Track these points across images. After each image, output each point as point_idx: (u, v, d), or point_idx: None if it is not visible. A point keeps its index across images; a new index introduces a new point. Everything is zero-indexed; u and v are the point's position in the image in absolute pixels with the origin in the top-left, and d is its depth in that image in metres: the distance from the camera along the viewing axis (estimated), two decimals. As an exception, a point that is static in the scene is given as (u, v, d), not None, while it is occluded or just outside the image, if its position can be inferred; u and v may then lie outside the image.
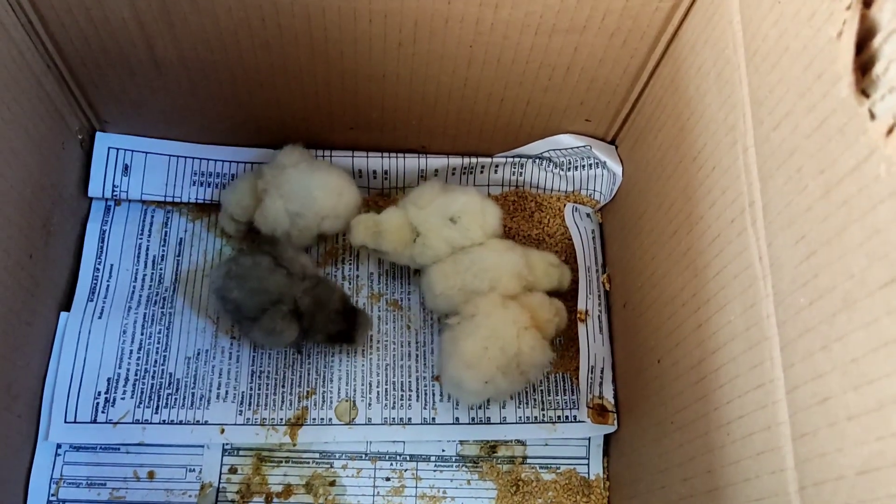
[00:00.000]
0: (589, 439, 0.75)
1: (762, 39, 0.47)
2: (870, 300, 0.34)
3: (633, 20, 0.62)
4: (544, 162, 0.81)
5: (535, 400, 0.75)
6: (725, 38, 0.52)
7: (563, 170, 0.81)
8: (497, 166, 0.82)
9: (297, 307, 0.70)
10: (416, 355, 0.77)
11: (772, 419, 0.43)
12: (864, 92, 0.36)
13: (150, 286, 0.77)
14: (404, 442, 0.74)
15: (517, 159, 0.82)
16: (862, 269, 0.35)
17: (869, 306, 0.34)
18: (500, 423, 0.75)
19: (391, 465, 0.74)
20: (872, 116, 0.35)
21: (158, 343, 0.75)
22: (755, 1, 0.48)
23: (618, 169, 0.77)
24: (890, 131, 0.33)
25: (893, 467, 0.32)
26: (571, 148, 0.78)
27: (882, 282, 0.33)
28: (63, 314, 0.74)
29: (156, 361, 0.74)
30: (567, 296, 0.78)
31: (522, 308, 0.71)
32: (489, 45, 0.65)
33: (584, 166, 0.81)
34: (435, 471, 0.74)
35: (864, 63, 0.36)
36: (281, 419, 0.73)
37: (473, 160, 0.81)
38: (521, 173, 0.83)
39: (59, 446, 0.71)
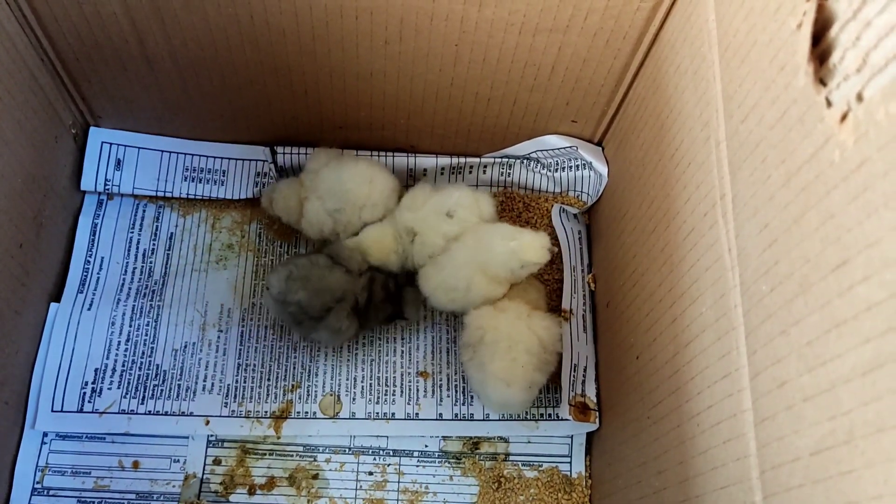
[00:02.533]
0: (571, 437, 0.76)
1: (734, 35, 0.48)
2: (823, 283, 0.35)
3: (616, 20, 0.63)
4: (532, 163, 0.82)
5: (518, 397, 0.76)
6: (702, 36, 0.53)
7: (550, 171, 0.82)
8: (485, 167, 0.83)
9: (357, 303, 0.71)
10: (402, 351, 0.78)
11: (737, 407, 0.44)
12: (822, 81, 0.36)
13: (140, 279, 0.78)
14: (388, 437, 0.75)
15: (505, 160, 0.82)
16: (817, 253, 0.35)
17: (823, 289, 0.35)
18: (483, 420, 0.75)
19: (374, 459, 0.74)
20: (829, 104, 0.35)
21: (146, 335, 0.76)
22: (728, -2, 0.49)
23: (603, 170, 0.78)
24: (844, 118, 0.34)
25: (844, 446, 0.32)
26: (558, 149, 0.79)
27: (834, 264, 0.34)
28: (53, 305, 0.75)
29: (143, 353, 0.75)
30: (552, 295, 0.79)
31: (513, 299, 0.72)
32: (474, 43, 0.66)
33: (571, 167, 0.81)
34: (418, 466, 0.74)
35: (822, 52, 0.37)
36: (266, 412, 0.74)
37: (462, 160, 0.82)
38: (509, 174, 0.84)
39: (45, 434, 0.72)
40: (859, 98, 0.33)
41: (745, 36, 0.46)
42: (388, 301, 0.73)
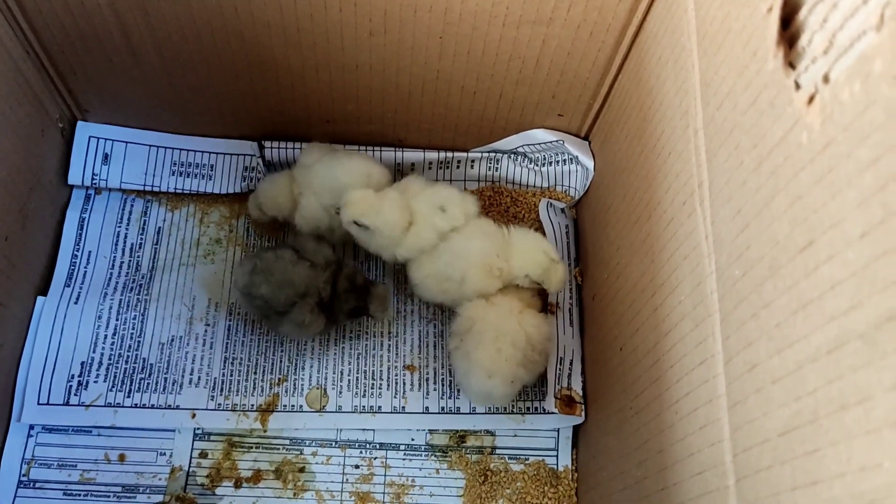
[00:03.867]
0: (558, 431, 0.76)
1: (710, 23, 0.48)
2: (791, 265, 0.35)
3: (598, 12, 0.63)
4: (519, 157, 0.82)
5: (504, 390, 0.76)
6: (682, 26, 0.53)
7: (537, 165, 0.82)
8: (473, 161, 0.83)
9: (321, 298, 0.71)
10: (389, 345, 0.78)
11: (712, 392, 0.44)
12: (791, 64, 0.37)
13: (127, 273, 0.78)
14: (374, 430, 0.75)
15: (493, 154, 0.83)
16: (785, 235, 0.35)
17: (790, 271, 0.35)
18: (470, 413, 0.75)
19: (361, 452, 0.74)
20: (798, 86, 0.36)
21: (133, 329, 0.76)
22: (706, -13, 0.49)
23: (590, 164, 0.78)
24: (811, 100, 0.34)
25: (809, 425, 0.32)
26: (545, 143, 0.79)
27: (801, 246, 0.34)
28: (39, 298, 0.75)
29: (130, 346, 0.75)
30: (540, 289, 0.79)
31: (506, 295, 0.72)
32: (459, 36, 0.66)
33: (558, 162, 0.82)
34: (404, 459, 0.74)
35: (791, 35, 0.37)
36: (252, 405, 0.74)
37: (450, 154, 0.82)
38: (496, 169, 0.84)
39: (31, 427, 0.72)
40: (826, 79, 0.33)
41: (721, 23, 0.46)
42: (352, 293, 0.72)
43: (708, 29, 0.48)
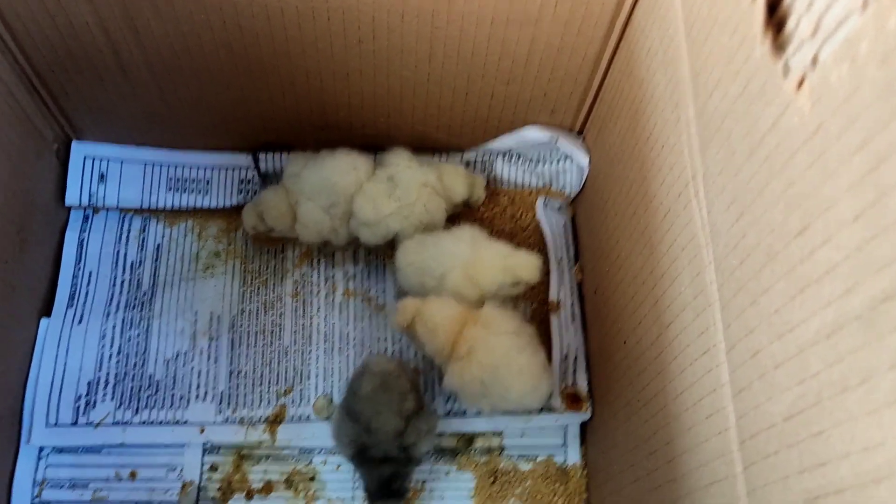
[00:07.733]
0: (565, 428, 0.76)
1: (697, 13, 0.48)
2: (787, 251, 0.35)
3: (586, 7, 0.63)
4: (514, 157, 0.82)
5: (511, 390, 0.76)
6: (669, 18, 0.54)
7: (532, 164, 0.82)
8: (468, 162, 0.83)
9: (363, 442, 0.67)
10: (392, 351, 0.78)
11: (716, 381, 0.44)
12: (779, 48, 0.37)
13: (129, 291, 0.79)
14: (382, 435, 0.75)
15: (488, 156, 0.83)
16: (780, 221, 0.35)
17: (787, 257, 0.35)
18: (476, 415, 0.75)
19: (370, 458, 0.74)
20: (787, 70, 0.36)
21: (137, 346, 0.76)
22: (690, -22, 0.49)
23: (584, 160, 0.78)
24: (800, 84, 0.34)
25: (813, 408, 0.32)
26: (539, 143, 0.79)
27: (796, 231, 0.34)
28: (43, 320, 0.75)
29: (135, 364, 0.75)
30: (539, 287, 0.79)
31: (494, 308, 0.71)
32: (447, 38, 0.66)
33: (552, 161, 0.82)
34: (414, 463, 0.74)
35: (779, 21, 0.37)
36: (260, 417, 0.74)
37: (444, 156, 0.82)
38: (491, 169, 0.84)
39: (41, 449, 0.72)
40: (814, 62, 0.33)
41: (708, 13, 0.46)
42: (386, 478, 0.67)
43: (695, 20, 0.48)
